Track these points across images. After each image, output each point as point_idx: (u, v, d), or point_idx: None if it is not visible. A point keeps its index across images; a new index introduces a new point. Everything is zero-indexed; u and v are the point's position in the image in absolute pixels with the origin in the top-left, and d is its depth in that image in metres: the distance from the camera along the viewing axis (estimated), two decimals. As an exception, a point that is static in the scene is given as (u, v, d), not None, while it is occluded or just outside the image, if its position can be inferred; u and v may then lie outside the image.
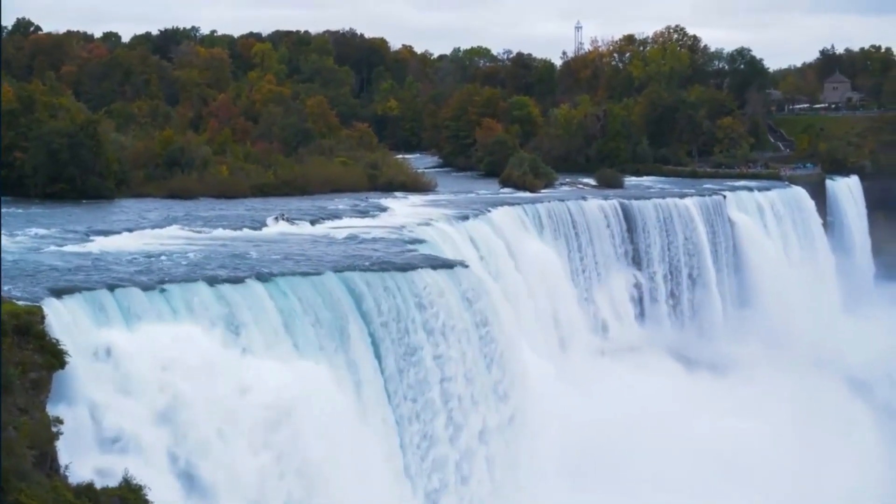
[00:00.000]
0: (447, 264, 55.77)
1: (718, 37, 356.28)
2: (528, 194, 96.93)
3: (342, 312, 47.06)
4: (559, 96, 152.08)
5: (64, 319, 37.07)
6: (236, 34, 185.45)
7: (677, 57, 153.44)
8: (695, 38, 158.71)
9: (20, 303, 36.43)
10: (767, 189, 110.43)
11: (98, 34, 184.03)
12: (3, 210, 64.07)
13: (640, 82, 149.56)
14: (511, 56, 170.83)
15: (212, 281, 44.40)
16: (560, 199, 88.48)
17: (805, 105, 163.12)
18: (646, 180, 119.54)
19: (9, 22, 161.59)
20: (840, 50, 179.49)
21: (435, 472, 49.69)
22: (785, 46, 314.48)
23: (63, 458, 33.48)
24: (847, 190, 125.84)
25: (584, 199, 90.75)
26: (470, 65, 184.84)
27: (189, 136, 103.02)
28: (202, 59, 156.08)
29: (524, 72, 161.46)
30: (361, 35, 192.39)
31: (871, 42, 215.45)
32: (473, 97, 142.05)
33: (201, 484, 37.90)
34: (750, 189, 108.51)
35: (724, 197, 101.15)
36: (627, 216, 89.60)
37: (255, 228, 65.85)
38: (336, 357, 45.61)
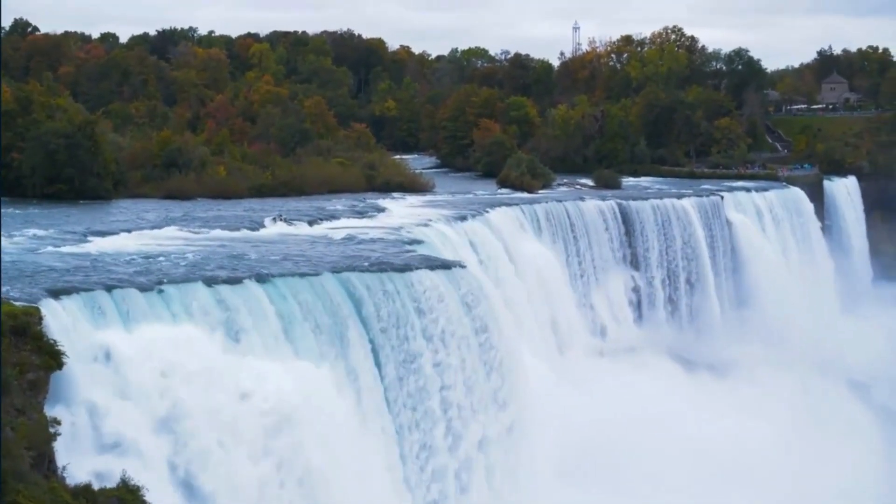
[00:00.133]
0: (445, 265, 55.67)
1: (716, 37, 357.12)
2: (525, 195, 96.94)
3: (342, 318, 46.86)
4: (557, 97, 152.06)
5: (62, 320, 36.97)
6: (234, 35, 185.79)
7: (675, 57, 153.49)
8: (692, 38, 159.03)
9: (18, 303, 36.34)
10: (765, 190, 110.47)
11: (96, 35, 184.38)
12: (1, 211, 63.95)
13: (638, 83, 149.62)
14: (509, 57, 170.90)
15: (210, 282, 44.25)
16: (558, 200, 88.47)
17: (802, 106, 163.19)
18: (643, 181, 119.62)
19: (6, 22, 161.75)
20: (837, 50, 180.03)
21: (434, 483, 49.52)
22: (782, 47, 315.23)
23: (61, 460, 33.42)
24: (845, 191, 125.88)
25: (581, 199, 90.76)
26: (467, 65, 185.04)
27: (187, 136, 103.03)
28: (200, 59, 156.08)
29: (522, 72, 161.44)
30: (359, 36, 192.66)
31: (868, 43, 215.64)
32: (471, 98, 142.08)
33: (201, 493, 37.79)
34: (748, 190, 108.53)
35: (722, 198, 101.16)
36: (625, 217, 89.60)
37: (252, 229, 65.75)
38: (336, 364, 45.40)
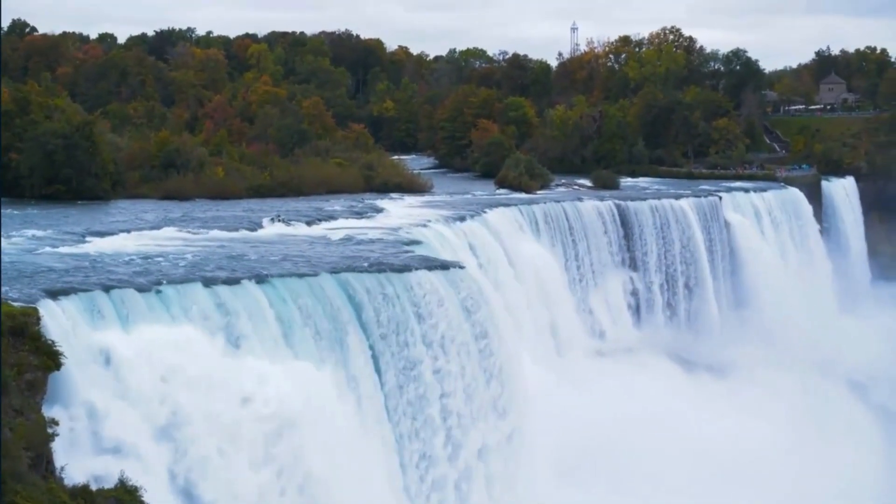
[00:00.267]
0: (443, 266, 55.64)
1: (714, 38, 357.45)
2: (524, 195, 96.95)
3: (342, 323, 46.70)
4: (555, 97, 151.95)
5: (59, 321, 36.95)
6: (232, 35, 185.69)
7: (673, 58, 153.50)
8: (690, 39, 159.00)
9: (16, 304, 36.33)
10: (763, 190, 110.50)
11: (94, 35, 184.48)
12: (1, 211, 63.93)
13: (636, 83, 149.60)
14: (507, 57, 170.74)
15: (209, 283, 44.17)
16: (556, 201, 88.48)
17: (801, 106, 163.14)
18: (641, 181, 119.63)
19: (4, 23, 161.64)
20: (836, 51, 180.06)
21: (434, 492, 49.42)
22: (780, 47, 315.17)
23: (59, 460, 33.40)
24: (843, 191, 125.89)
25: (579, 199, 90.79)
26: (466, 66, 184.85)
27: (185, 137, 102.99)
28: (198, 60, 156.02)
29: (520, 73, 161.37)
30: (357, 36, 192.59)
31: (866, 43, 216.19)
32: (469, 98, 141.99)
33: (201, 501, 37.74)
34: (746, 190, 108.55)
35: (720, 198, 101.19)
36: (623, 217, 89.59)
37: (251, 230, 65.75)
38: (337, 371, 45.27)
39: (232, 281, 45.28)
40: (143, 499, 33.58)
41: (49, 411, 33.89)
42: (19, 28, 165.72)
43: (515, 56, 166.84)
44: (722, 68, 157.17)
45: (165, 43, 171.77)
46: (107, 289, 40.96)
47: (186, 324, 40.94)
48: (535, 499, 53.30)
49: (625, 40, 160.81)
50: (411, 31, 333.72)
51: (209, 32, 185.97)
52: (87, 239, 57.51)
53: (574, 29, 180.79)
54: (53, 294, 38.97)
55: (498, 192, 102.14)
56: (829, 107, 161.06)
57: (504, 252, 71.38)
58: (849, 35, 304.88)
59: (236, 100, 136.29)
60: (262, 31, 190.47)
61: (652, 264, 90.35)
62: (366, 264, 52.70)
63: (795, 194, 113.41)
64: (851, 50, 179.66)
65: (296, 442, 40.88)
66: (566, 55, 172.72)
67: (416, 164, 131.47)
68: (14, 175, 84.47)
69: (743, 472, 62.00)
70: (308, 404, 41.63)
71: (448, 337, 51.55)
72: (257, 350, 42.29)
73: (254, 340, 42.45)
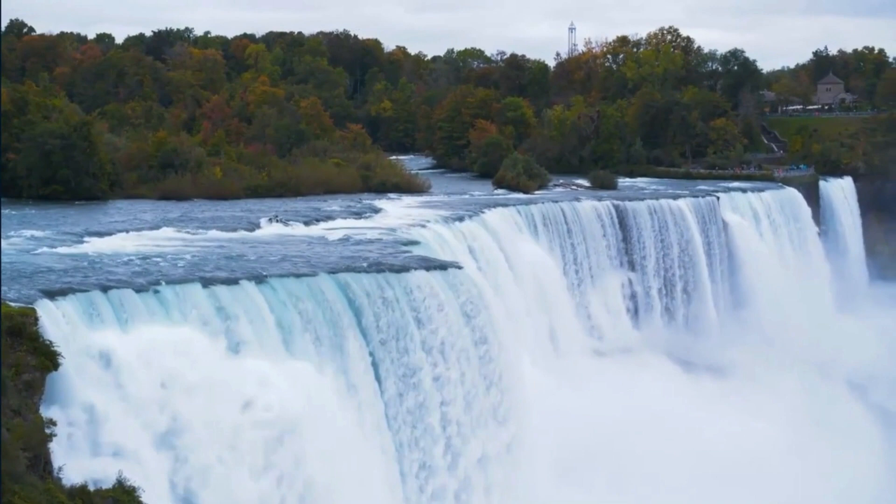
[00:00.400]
0: (441, 266, 55.61)
1: (712, 38, 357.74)
2: (521, 195, 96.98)
3: (342, 329, 46.52)
4: (553, 97, 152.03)
5: (57, 321, 36.92)
6: (230, 35, 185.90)
7: (671, 58, 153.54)
8: (688, 39, 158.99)
9: (13, 304, 36.31)
10: (761, 190, 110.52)
11: (91, 35, 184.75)
12: (1, 212, 63.96)
13: (634, 83, 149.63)
14: (505, 57, 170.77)
15: (208, 283, 44.06)
16: (554, 201, 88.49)
17: (798, 106, 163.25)
18: (639, 181, 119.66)
19: (2, 23, 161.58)
20: (833, 51, 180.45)
21: (434, 502, 49.29)
22: (778, 48, 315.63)
23: (56, 461, 33.39)
24: (840, 191, 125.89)
25: (577, 200, 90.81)
26: (463, 66, 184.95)
27: (182, 137, 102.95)
28: (196, 60, 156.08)
29: (518, 73, 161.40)
30: (355, 36, 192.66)
31: (864, 43, 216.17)
32: (467, 98, 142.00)
33: None
34: (744, 191, 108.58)
35: (718, 198, 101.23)
36: (621, 218, 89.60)
37: (249, 230, 65.74)
38: (338, 378, 45.14)
39: (231, 281, 45.19)
40: (140, 499, 33.54)
41: (47, 412, 33.86)
42: (17, 28, 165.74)
43: (513, 56, 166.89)
44: (720, 68, 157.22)
45: (163, 43, 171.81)
46: (105, 289, 40.89)
47: (185, 325, 40.81)
48: (535, 502, 53.30)
49: (622, 40, 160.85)
50: (409, 31, 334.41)
51: (207, 32, 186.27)
52: (86, 239, 57.39)
53: (572, 29, 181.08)
54: (51, 294, 38.94)
55: (496, 192, 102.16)
56: (826, 107, 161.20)
57: (502, 252, 71.34)
58: (846, 35, 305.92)
59: (234, 100, 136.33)
60: (259, 32, 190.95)
61: (650, 265, 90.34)
62: (365, 265, 52.67)
63: (793, 194, 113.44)
64: (849, 50, 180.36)
65: (296, 449, 40.73)
66: (564, 55, 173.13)
67: (413, 164, 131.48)
68: (12, 175, 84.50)
69: (743, 472, 62.00)
70: (308, 411, 41.46)
71: (448, 343, 51.43)
72: (257, 354, 42.12)
73: (254, 345, 42.28)
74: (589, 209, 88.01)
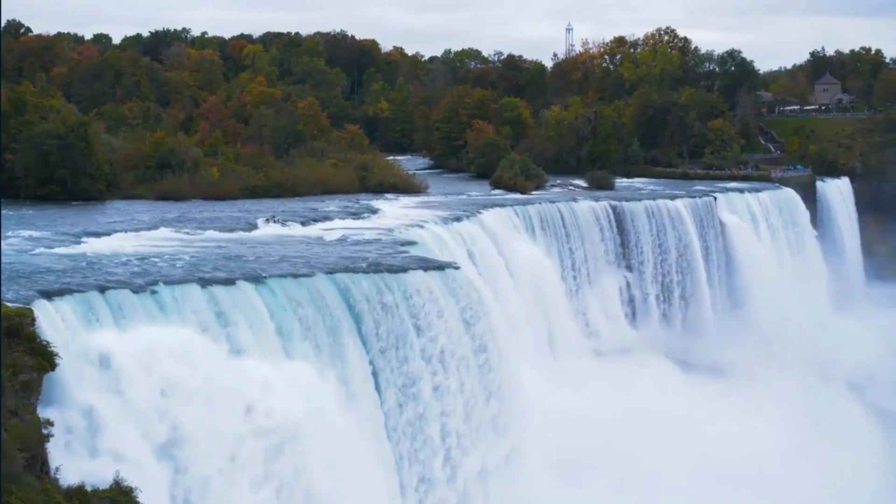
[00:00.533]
0: (439, 266, 55.54)
1: (709, 38, 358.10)
2: (519, 196, 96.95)
3: (341, 336, 46.30)
4: (550, 98, 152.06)
5: (54, 322, 36.83)
6: (227, 36, 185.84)
7: (668, 59, 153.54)
8: (685, 39, 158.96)
9: (11, 305, 36.23)
10: (758, 191, 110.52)
11: (88, 36, 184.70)
12: (1, 212, 63.90)
13: (631, 84, 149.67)
14: (502, 58, 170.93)
15: (206, 284, 43.89)
16: (551, 201, 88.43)
17: (795, 107, 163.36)
18: (637, 182, 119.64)
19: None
20: (830, 52, 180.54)
21: None
22: (775, 48, 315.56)
23: (53, 461, 33.32)
24: (837, 192, 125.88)
25: (574, 200, 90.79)
26: (461, 66, 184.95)
27: (180, 137, 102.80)
28: (193, 60, 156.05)
29: (515, 73, 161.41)
30: (352, 37, 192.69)
31: (861, 44, 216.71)
32: (464, 99, 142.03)
33: None
34: (741, 191, 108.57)
35: (715, 199, 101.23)
36: (619, 219, 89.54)
37: (246, 230, 65.65)
38: (339, 388, 44.92)
39: (229, 282, 45.01)
40: (137, 499, 33.48)
41: (44, 412, 33.78)
42: (14, 29, 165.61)
43: (510, 57, 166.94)
44: (717, 69, 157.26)
45: (160, 43, 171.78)
46: (102, 290, 40.76)
47: (184, 327, 40.62)
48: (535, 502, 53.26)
49: (620, 41, 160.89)
50: (406, 31, 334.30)
51: (204, 33, 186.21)
52: (83, 240, 57.32)
53: (569, 30, 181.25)
54: (49, 295, 38.84)
55: (493, 192, 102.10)
56: (823, 107, 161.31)
57: (499, 252, 71.27)
58: (844, 36, 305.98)
59: (231, 100, 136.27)
60: (256, 32, 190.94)
61: (648, 265, 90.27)
62: (363, 265, 52.57)
63: (790, 195, 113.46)
64: (846, 51, 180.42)
65: (297, 459, 40.50)
66: (561, 56, 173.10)
67: (411, 164, 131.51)
68: (9, 176, 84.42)
69: (742, 472, 62.04)
70: (309, 417, 41.24)
71: (448, 351, 51.23)
72: (257, 358, 41.90)
73: (254, 352, 42.05)
74: (586, 208, 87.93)
